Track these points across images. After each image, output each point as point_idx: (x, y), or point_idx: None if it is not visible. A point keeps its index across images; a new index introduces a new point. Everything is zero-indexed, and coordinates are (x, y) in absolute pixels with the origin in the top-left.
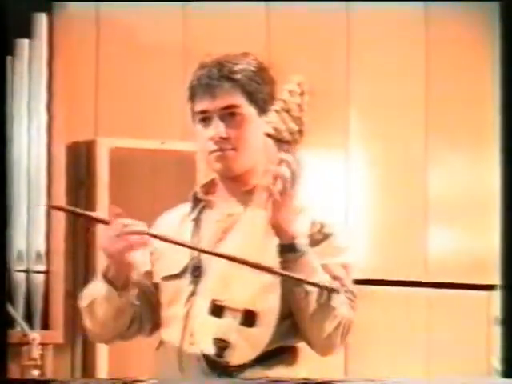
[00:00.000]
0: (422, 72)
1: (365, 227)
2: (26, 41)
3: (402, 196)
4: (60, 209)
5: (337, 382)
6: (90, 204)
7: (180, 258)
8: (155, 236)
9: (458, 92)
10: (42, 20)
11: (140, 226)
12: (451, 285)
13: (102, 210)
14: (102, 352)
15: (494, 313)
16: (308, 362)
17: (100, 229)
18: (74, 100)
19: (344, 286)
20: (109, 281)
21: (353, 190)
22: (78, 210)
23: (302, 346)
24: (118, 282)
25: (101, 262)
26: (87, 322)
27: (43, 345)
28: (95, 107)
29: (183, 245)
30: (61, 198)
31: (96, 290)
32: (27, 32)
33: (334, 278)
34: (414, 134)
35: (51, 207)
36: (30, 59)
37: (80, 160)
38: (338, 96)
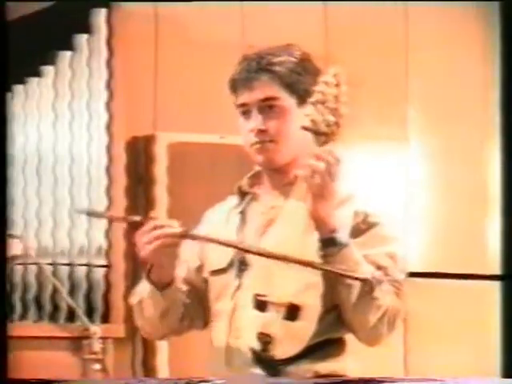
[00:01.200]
0: (480, 69)
1: (425, 220)
2: (84, 36)
3: (460, 189)
4: (91, 214)
5: (376, 380)
6: (149, 199)
7: (226, 253)
8: (197, 238)
9: None
10: (100, 16)
11: (172, 226)
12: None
13: (160, 205)
14: (163, 346)
15: None
16: (357, 354)
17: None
18: (133, 95)
19: (389, 276)
20: (151, 281)
21: (412, 183)
22: (108, 214)
23: (349, 338)
24: (160, 282)
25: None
26: (137, 320)
27: (104, 339)
28: (154, 102)
29: (224, 243)
30: (120, 195)
31: (143, 289)
32: (86, 27)
33: (379, 268)
34: (472, 129)
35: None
36: (89, 55)
37: (139, 155)
38: (396, 90)
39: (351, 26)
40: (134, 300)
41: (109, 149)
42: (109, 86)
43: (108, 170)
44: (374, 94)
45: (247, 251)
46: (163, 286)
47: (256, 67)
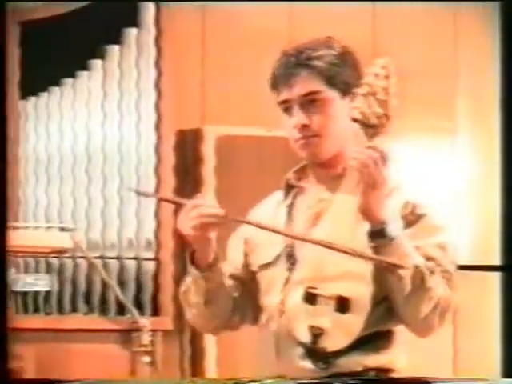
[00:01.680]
0: None
1: (472, 212)
2: (133, 30)
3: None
4: (141, 194)
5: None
6: (197, 191)
7: (273, 246)
8: (248, 222)
9: None
10: (149, 12)
11: (213, 207)
12: None
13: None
14: (211, 339)
15: None
16: (406, 347)
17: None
18: (181, 88)
19: (440, 266)
20: (194, 263)
21: (460, 176)
22: (161, 195)
23: (398, 330)
24: (201, 263)
25: None
26: (186, 311)
27: (153, 331)
28: (202, 95)
29: (274, 230)
30: (169, 188)
31: (189, 278)
32: (135, 22)
33: (429, 258)
34: None
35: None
36: (137, 48)
37: (187, 149)
38: (446, 84)
39: (400, 19)
40: (181, 291)
41: (157, 144)
42: (157, 84)
43: (156, 168)
44: (423, 86)
45: (294, 237)
46: (205, 267)
47: (294, 62)
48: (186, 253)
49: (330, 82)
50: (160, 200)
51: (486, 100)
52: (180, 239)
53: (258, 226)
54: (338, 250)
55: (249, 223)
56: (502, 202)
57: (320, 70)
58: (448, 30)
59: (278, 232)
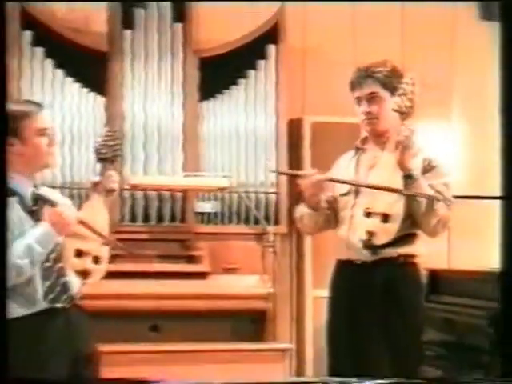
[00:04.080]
0: None
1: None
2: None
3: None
4: (271, 171)
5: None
6: (298, 166)
7: (346, 186)
8: (330, 179)
9: None
10: (271, 50)
11: (322, 176)
12: None
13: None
14: (308, 238)
15: None
16: (425, 245)
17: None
18: (290, 92)
19: (443, 197)
20: (308, 206)
21: (453, 142)
22: (287, 171)
23: (419, 232)
24: (312, 207)
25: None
26: (298, 225)
27: (275, 234)
28: (302, 97)
29: (347, 182)
30: (283, 163)
31: (302, 209)
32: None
33: (437, 192)
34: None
35: (270, 170)
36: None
37: (293, 131)
38: (445, 86)
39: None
40: (297, 214)
41: (277, 128)
42: (277, 88)
43: (277, 144)
44: (432, 90)
45: (360, 185)
46: (314, 208)
47: (364, 75)
48: (302, 200)
49: (385, 86)
50: (287, 174)
51: (472, 93)
52: (290, 182)
53: (337, 181)
54: (382, 189)
55: (337, 181)
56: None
57: (379, 79)
58: (445, 40)
59: (350, 183)
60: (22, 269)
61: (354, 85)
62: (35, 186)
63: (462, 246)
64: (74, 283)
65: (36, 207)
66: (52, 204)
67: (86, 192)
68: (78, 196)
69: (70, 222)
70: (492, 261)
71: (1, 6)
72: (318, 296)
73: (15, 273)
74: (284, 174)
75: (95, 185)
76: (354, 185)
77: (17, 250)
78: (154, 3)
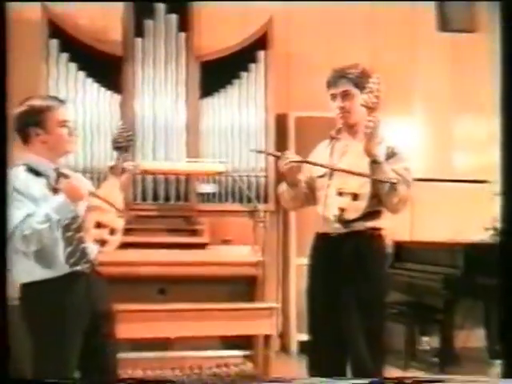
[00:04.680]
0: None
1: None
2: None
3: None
4: (259, 151)
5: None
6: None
7: (323, 169)
8: (304, 161)
9: None
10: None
11: (295, 157)
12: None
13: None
14: (293, 214)
15: None
16: (389, 220)
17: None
18: (278, 91)
19: (404, 179)
20: (287, 183)
21: (413, 133)
22: (268, 151)
23: (383, 210)
24: (290, 184)
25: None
26: (281, 201)
27: (264, 211)
28: (287, 95)
29: (319, 164)
30: (271, 145)
31: (283, 186)
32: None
33: (399, 175)
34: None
35: (253, 150)
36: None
37: (280, 125)
38: (406, 83)
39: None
40: (279, 190)
41: (266, 122)
42: (266, 87)
43: (266, 135)
44: (395, 87)
45: (333, 169)
46: (291, 185)
47: (339, 75)
48: (282, 178)
49: (355, 85)
50: (268, 154)
51: (430, 91)
52: (277, 167)
53: (313, 164)
54: (351, 172)
55: (310, 163)
56: None
57: (351, 79)
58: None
59: (320, 165)
60: (41, 234)
61: (330, 84)
62: (57, 168)
63: (423, 221)
64: (93, 250)
65: (58, 185)
66: (66, 177)
67: (103, 175)
68: (98, 179)
69: (81, 191)
70: (448, 233)
71: (1, 5)
72: (300, 264)
73: (36, 238)
74: (266, 153)
75: (112, 168)
76: (327, 168)
77: (37, 218)
78: (162, 16)
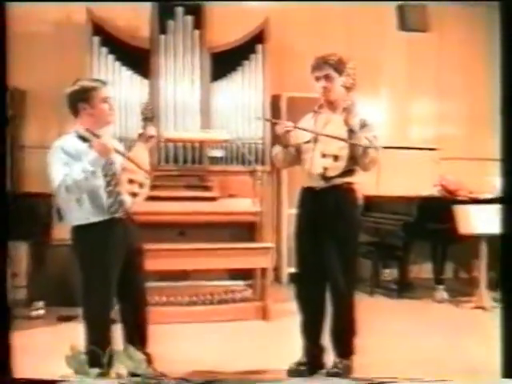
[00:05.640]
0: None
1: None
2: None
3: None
4: (258, 118)
5: None
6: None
7: (309, 135)
8: (297, 128)
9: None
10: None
11: (290, 124)
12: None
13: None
14: (284, 172)
15: None
16: (361, 177)
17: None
18: (274, 74)
19: (374, 145)
20: (281, 144)
21: (380, 109)
22: (268, 118)
23: (357, 168)
24: (284, 144)
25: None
26: (274, 162)
27: (262, 172)
28: (281, 78)
29: (309, 130)
30: (268, 124)
31: (277, 148)
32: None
33: (369, 141)
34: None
35: (258, 118)
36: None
37: (274, 103)
38: (375, 69)
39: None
40: (273, 152)
41: (263, 102)
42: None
43: (263, 111)
44: (366, 73)
45: (314, 132)
46: (285, 146)
47: (322, 61)
48: (277, 141)
49: (335, 70)
50: (267, 120)
51: (394, 76)
52: (272, 137)
53: (303, 129)
54: (333, 137)
55: (302, 129)
56: None
57: (331, 64)
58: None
59: (310, 131)
60: (80, 184)
61: (314, 68)
62: (96, 134)
63: (386, 179)
64: (127, 201)
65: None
66: (98, 137)
67: (133, 141)
68: (130, 147)
69: (108, 147)
70: (405, 189)
71: (1, 5)
72: (290, 213)
73: (76, 187)
74: (268, 120)
75: (140, 135)
76: (317, 134)
77: (77, 171)
78: (180, 17)
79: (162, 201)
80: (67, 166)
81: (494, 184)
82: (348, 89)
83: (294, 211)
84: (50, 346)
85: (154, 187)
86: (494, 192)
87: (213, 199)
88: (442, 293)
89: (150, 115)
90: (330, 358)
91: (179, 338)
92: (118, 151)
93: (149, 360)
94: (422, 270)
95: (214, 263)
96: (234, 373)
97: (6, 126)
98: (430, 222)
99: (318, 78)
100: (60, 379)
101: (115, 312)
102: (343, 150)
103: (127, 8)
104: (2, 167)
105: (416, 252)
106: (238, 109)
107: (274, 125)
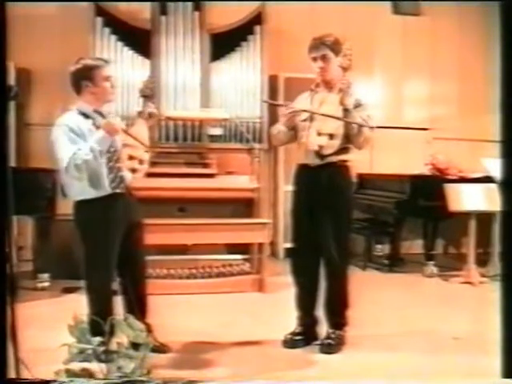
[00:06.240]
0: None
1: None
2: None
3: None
4: (265, 102)
5: None
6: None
7: (305, 115)
8: (303, 110)
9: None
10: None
11: (295, 108)
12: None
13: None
14: (281, 150)
15: None
16: (355, 155)
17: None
18: (271, 57)
19: (368, 124)
20: (285, 126)
21: (374, 90)
22: (274, 102)
23: (351, 146)
24: (287, 126)
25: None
26: (273, 140)
27: (259, 149)
28: (279, 60)
29: (309, 111)
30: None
31: (279, 127)
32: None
33: (364, 120)
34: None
35: (264, 101)
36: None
37: (272, 83)
38: (369, 51)
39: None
40: (274, 131)
41: (262, 82)
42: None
43: (261, 91)
44: (361, 55)
45: (314, 113)
46: (288, 128)
47: (319, 42)
48: (280, 121)
49: (331, 50)
50: (268, 103)
51: (387, 58)
52: (269, 116)
53: (305, 110)
54: (330, 116)
55: (307, 111)
56: None
57: (328, 45)
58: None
59: (311, 112)
60: (88, 163)
61: (311, 49)
62: (100, 112)
63: (380, 158)
64: (127, 177)
65: (99, 123)
66: (104, 117)
67: (133, 118)
68: (131, 124)
69: (116, 127)
70: (398, 167)
71: (1, 5)
72: (286, 190)
73: (85, 166)
74: (274, 104)
75: (140, 113)
76: (313, 113)
77: (85, 151)
78: None
79: (163, 177)
80: (74, 143)
81: (484, 164)
82: (344, 69)
83: (290, 188)
84: (54, 316)
85: (154, 164)
86: (483, 171)
87: (211, 176)
88: (431, 268)
89: (148, 93)
90: (323, 328)
91: (178, 310)
92: (124, 131)
93: (149, 329)
94: (413, 246)
95: (212, 238)
96: (231, 343)
97: (7, 101)
98: (421, 199)
99: (314, 59)
100: (56, 380)
101: (116, 284)
102: (338, 129)
103: None
104: (4, 141)
105: (407, 229)
106: (237, 88)
107: (274, 106)
